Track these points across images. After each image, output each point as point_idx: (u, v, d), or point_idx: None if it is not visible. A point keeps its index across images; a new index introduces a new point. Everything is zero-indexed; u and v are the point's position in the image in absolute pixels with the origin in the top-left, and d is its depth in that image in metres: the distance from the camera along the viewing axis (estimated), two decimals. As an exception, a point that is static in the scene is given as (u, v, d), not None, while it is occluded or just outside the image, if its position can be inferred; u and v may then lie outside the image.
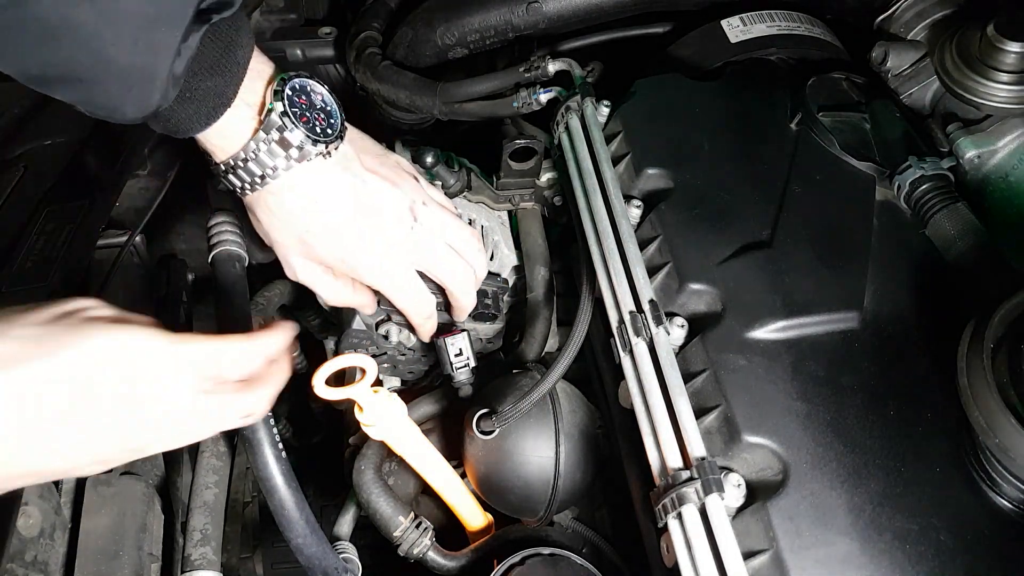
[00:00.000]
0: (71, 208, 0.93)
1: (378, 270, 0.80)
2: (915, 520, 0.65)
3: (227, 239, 0.94)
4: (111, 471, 0.93)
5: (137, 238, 0.98)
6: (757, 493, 0.67)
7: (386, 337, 0.92)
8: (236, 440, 0.92)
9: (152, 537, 0.78)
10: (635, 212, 0.89)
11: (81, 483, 0.89)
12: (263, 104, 0.71)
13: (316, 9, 1.30)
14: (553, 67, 1.03)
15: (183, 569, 0.75)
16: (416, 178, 0.85)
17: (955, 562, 0.63)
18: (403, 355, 0.98)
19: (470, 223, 1.03)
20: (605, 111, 1.00)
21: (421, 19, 1.11)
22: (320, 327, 1.08)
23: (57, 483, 0.92)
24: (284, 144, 0.71)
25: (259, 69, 0.72)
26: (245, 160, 0.71)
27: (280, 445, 0.71)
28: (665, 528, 0.66)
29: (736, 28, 1.10)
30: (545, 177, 1.06)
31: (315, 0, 1.30)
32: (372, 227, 0.78)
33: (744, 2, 1.13)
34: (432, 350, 0.95)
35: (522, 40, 1.11)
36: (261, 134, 0.70)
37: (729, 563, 0.61)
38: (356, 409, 0.75)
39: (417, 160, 0.99)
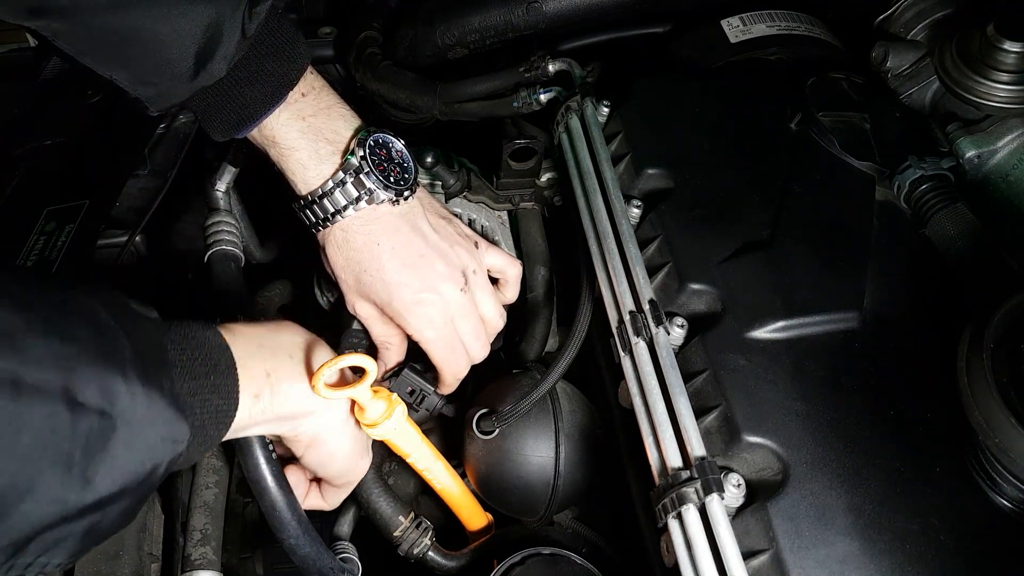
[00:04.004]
0: (71, 208, 0.93)
1: (420, 320, 0.81)
2: (915, 520, 0.65)
3: (223, 238, 0.94)
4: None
5: (137, 238, 0.98)
6: (757, 493, 0.67)
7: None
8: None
9: (152, 537, 0.78)
10: (635, 212, 0.89)
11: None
12: (347, 148, 0.78)
13: (316, 9, 1.30)
14: (553, 67, 1.03)
15: (183, 569, 0.74)
16: (476, 244, 0.87)
17: (955, 562, 0.63)
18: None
19: (470, 223, 1.03)
20: (605, 111, 1.00)
21: (421, 19, 1.11)
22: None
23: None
24: (358, 185, 0.77)
25: (343, 113, 0.80)
26: (322, 196, 0.78)
27: (271, 446, 0.71)
28: (665, 528, 0.66)
29: (736, 28, 1.10)
30: (545, 177, 1.06)
31: (315, 0, 1.30)
32: (422, 279, 0.80)
33: (744, 2, 1.12)
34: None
35: (522, 40, 1.11)
36: (340, 174, 0.77)
37: (729, 563, 0.61)
38: (356, 409, 0.75)
39: (417, 160, 0.99)
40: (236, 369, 0.61)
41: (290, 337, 0.70)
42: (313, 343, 0.71)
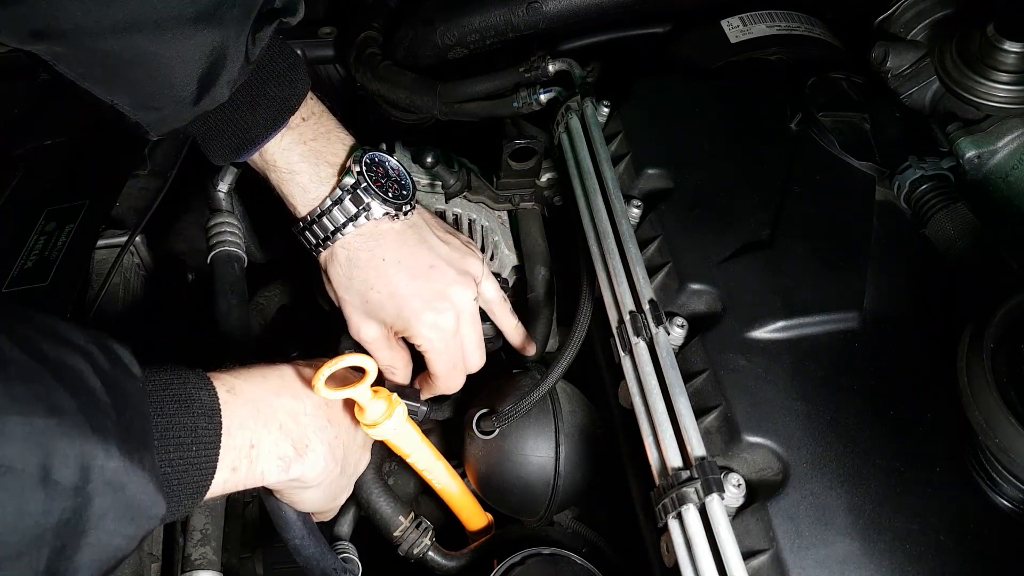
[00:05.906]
0: (71, 208, 0.93)
1: (432, 329, 0.81)
2: (915, 520, 0.65)
3: (226, 239, 0.94)
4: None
5: (137, 238, 0.98)
6: (757, 493, 0.67)
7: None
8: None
9: (152, 537, 0.78)
10: (635, 212, 0.89)
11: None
12: (343, 166, 0.78)
13: (316, 9, 1.30)
14: (553, 67, 1.03)
15: (183, 569, 0.74)
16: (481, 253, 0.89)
17: (955, 562, 0.63)
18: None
19: (470, 223, 1.03)
20: (605, 111, 1.00)
21: (421, 19, 1.11)
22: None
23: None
24: (357, 201, 0.77)
25: (341, 137, 0.81)
26: (321, 215, 0.78)
27: None
28: (665, 528, 0.66)
29: (736, 28, 1.10)
30: (545, 177, 1.06)
31: (315, 0, 1.29)
32: (433, 288, 0.80)
33: (744, 2, 1.12)
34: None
35: (522, 40, 1.11)
36: (337, 191, 0.77)
37: (729, 563, 0.61)
38: (356, 409, 0.75)
39: (417, 160, 0.99)
40: (221, 440, 0.59)
41: (289, 402, 0.67)
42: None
